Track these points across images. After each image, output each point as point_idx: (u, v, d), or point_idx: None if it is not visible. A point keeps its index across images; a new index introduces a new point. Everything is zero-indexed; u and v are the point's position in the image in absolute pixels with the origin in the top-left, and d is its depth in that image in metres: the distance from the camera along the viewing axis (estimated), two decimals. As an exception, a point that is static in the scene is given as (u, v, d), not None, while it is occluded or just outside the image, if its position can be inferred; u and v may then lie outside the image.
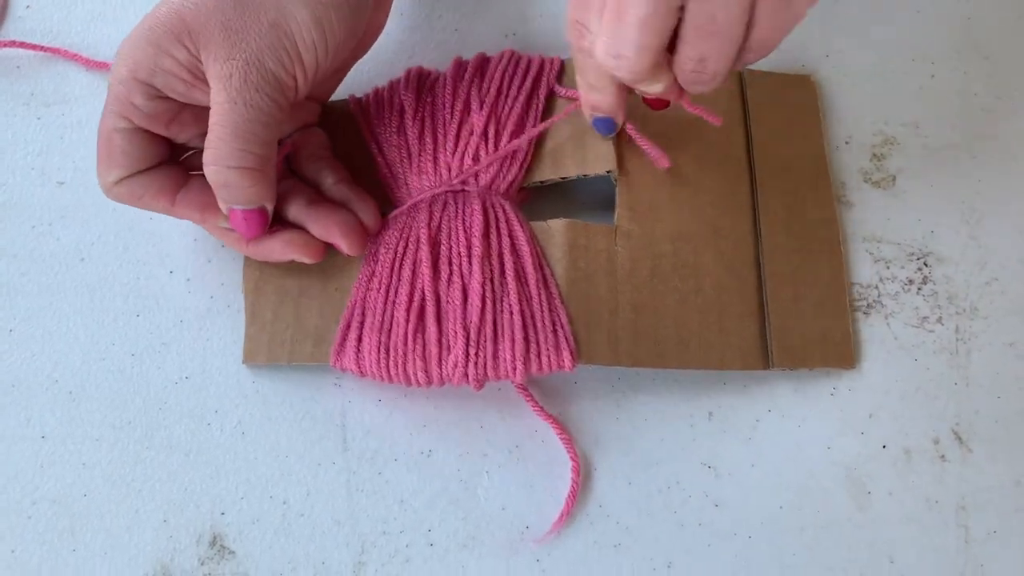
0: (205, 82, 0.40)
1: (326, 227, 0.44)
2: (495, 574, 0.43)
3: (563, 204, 0.49)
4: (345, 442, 0.45)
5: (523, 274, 0.44)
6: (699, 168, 0.47)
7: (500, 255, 0.44)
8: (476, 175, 0.46)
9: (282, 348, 0.45)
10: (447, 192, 0.46)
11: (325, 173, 0.46)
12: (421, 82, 0.48)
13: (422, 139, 0.47)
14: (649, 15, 0.34)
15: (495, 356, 0.42)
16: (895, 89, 0.52)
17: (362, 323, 0.44)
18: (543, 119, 0.47)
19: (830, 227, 0.48)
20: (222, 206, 0.42)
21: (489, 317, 0.43)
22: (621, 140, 0.47)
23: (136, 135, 0.42)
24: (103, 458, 0.45)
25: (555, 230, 0.45)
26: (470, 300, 0.43)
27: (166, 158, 0.44)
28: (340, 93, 0.50)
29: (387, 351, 0.43)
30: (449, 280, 0.43)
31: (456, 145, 0.46)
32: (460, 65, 0.49)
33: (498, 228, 0.45)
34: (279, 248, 0.44)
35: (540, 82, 0.48)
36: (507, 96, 0.47)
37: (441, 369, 0.42)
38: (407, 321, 0.43)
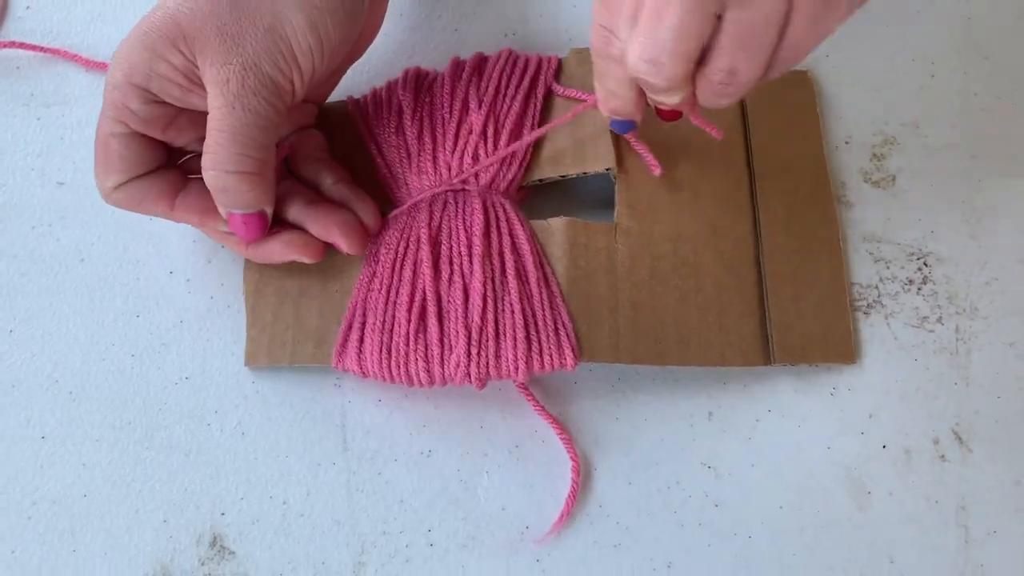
0: (201, 87, 0.40)
1: (326, 227, 0.44)
2: (495, 574, 0.43)
3: (562, 202, 0.49)
4: (345, 442, 0.45)
5: (524, 273, 0.44)
6: (698, 167, 0.47)
7: (501, 254, 0.44)
8: (476, 174, 0.46)
9: (283, 350, 0.45)
10: (447, 191, 0.46)
11: (324, 174, 0.46)
12: (419, 82, 0.48)
13: (421, 139, 0.47)
14: (688, 21, 0.34)
15: (497, 355, 0.42)
16: (895, 89, 0.52)
17: (363, 324, 0.44)
18: (541, 117, 0.47)
19: (830, 225, 0.48)
20: (221, 210, 0.42)
21: (491, 316, 0.43)
22: (620, 139, 0.47)
23: (133, 140, 0.42)
24: (103, 458, 0.45)
25: (555, 228, 0.45)
26: (471, 299, 0.43)
27: (164, 162, 0.43)
28: (339, 94, 0.50)
29: (389, 351, 0.43)
30: (450, 280, 0.43)
31: (455, 144, 0.46)
32: (458, 65, 0.49)
33: (498, 227, 0.45)
34: (279, 249, 0.44)
35: (538, 81, 0.48)
36: (505, 95, 0.47)
37: (443, 369, 0.43)
38: (408, 321, 0.43)
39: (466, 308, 0.43)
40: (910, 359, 0.47)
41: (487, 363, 0.42)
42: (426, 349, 0.43)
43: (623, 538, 0.44)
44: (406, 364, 0.43)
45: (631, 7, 0.35)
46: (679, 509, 0.44)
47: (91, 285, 0.48)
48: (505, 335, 0.42)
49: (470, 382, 0.43)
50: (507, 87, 0.48)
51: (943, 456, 0.45)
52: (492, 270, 0.43)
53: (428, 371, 0.43)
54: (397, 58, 0.54)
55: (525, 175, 0.47)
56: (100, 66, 0.53)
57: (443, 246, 0.44)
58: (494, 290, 0.43)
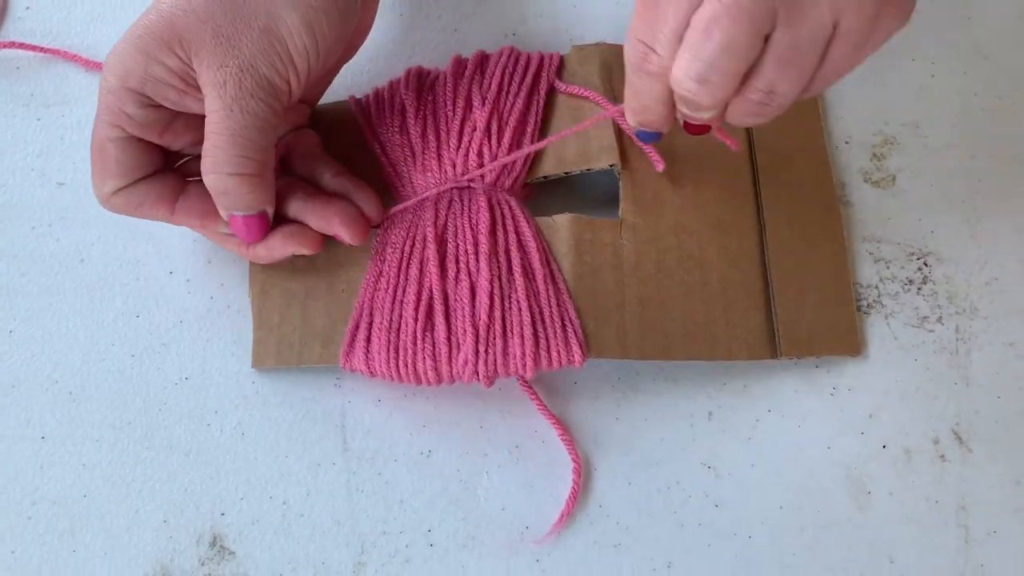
0: (198, 89, 0.40)
1: (326, 218, 0.44)
2: (495, 574, 0.43)
3: (567, 199, 0.49)
4: (345, 442, 0.45)
5: (530, 270, 0.44)
6: (702, 162, 0.47)
7: (507, 251, 0.44)
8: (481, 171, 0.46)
9: (291, 351, 0.45)
10: (452, 189, 0.46)
11: (321, 169, 0.46)
12: (421, 81, 0.48)
13: (425, 137, 0.47)
14: (739, 40, 0.34)
15: (505, 353, 0.42)
16: (895, 89, 0.52)
17: (371, 323, 0.44)
18: (544, 114, 0.47)
19: (833, 219, 0.48)
20: (222, 212, 0.42)
21: (498, 314, 0.43)
22: (623, 135, 0.47)
23: (130, 144, 0.41)
24: (103, 459, 0.45)
25: (560, 225, 0.45)
26: (478, 297, 0.43)
27: (161, 166, 0.43)
28: (342, 94, 0.50)
29: (396, 351, 0.43)
30: (457, 278, 0.43)
31: (459, 142, 0.46)
32: (460, 63, 0.49)
33: (504, 225, 0.45)
34: (278, 244, 0.44)
35: (540, 78, 0.48)
36: (508, 92, 0.47)
37: (451, 367, 0.43)
38: (416, 320, 0.43)
39: (473, 306, 0.43)
40: (910, 359, 0.47)
41: (495, 361, 0.42)
42: (434, 348, 0.43)
43: (623, 538, 0.44)
44: (414, 363, 0.43)
45: (674, 23, 0.35)
46: (679, 509, 0.44)
47: (91, 285, 0.48)
48: (512, 332, 0.43)
49: (478, 380, 0.43)
50: (510, 84, 0.48)
51: (943, 456, 0.45)
52: (498, 268, 0.44)
53: (436, 370, 0.43)
54: (397, 58, 0.54)
55: (530, 172, 0.47)
56: (100, 66, 0.52)
57: (449, 244, 0.44)
58: (501, 288, 0.43)
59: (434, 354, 0.43)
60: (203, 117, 0.40)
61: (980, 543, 0.44)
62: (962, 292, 0.48)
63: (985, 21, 0.54)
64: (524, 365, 0.42)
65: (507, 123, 0.47)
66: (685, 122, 0.39)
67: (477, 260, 0.44)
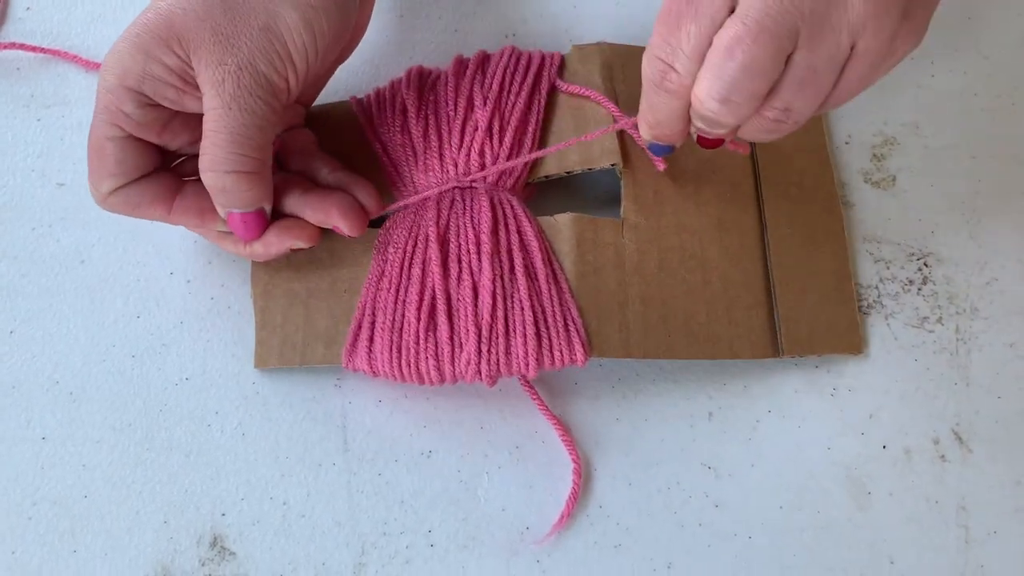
0: (196, 88, 0.40)
1: (324, 210, 0.44)
2: (495, 575, 0.43)
3: (568, 199, 0.49)
4: (345, 443, 0.45)
5: (533, 270, 0.44)
6: (702, 161, 0.48)
7: (509, 251, 0.44)
8: (482, 169, 0.46)
9: (294, 351, 0.45)
10: (454, 189, 0.46)
11: (318, 165, 0.46)
12: (422, 81, 0.48)
13: (427, 137, 0.47)
14: (763, 60, 0.34)
15: (507, 352, 0.43)
16: (895, 89, 0.52)
17: (373, 323, 0.44)
18: (545, 114, 0.48)
19: (834, 218, 0.49)
20: (220, 210, 0.42)
21: (500, 314, 0.43)
22: (625, 135, 0.47)
23: (128, 143, 0.41)
24: (103, 459, 0.45)
25: (562, 225, 0.45)
26: (481, 297, 0.43)
27: (159, 166, 0.43)
28: (342, 94, 0.50)
29: (399, 350, 0.43)
30: (459, 278, 0.43)
31: (461, 141, 0.46)
32: (461, 62, 0.49)
33: (506, 224, 0.45)
34: (275, 240, 0.43)
35: (542, 77, 0.48)
36: (510, 91, 0.47)
37: (454, 367, 0.43)
38: (418, 320, 0.43)
39: (476, 306, 0.43)
40: (910, 359, 0.47)
41: (497, 360, 0.42)
42: (436, 347, 0.43)
43: (623, 539, 0.44)
44: (416, 363, 0.43)
45: (695, 42, 0.35)
46: (679, 510, 0.44)
47: (91, 286, 0.48)
48: (515, 332, 0.43)
49: (481, 379, 0.43)
50: (511, 83, 0.48)
51: (943, 456, 0.45)
52: (501, 267, 0.44)
53: (439, 369, 0.43)
54: (397, 58, 0.54)
55: (531, 172, 0.47)
56: (100, 67, 0.53)
57: (451, 244, 0.44)
58: (503, 287, 0.43)
59: (437, 354, 0.43)
60: (201, 117, 0.40)
61: (980, 543, 0.44)
62: (962, 292, 0.48)
63: (985, 21, 0.54)
64: (527, 364, 0.42)
65: (509, 122, 0.47)
66: (699, 136, 0.40)
67: (479, 260, 0.44)
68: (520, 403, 0.46)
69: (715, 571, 0.43)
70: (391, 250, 0.45)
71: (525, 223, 0.45)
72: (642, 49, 0.49)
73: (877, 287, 0.48)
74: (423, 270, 0.44)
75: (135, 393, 0.46)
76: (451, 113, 0.47)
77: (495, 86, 0.47)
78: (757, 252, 0.47)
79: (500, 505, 0.44)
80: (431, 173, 0.46)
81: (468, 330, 0.42)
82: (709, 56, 0.35)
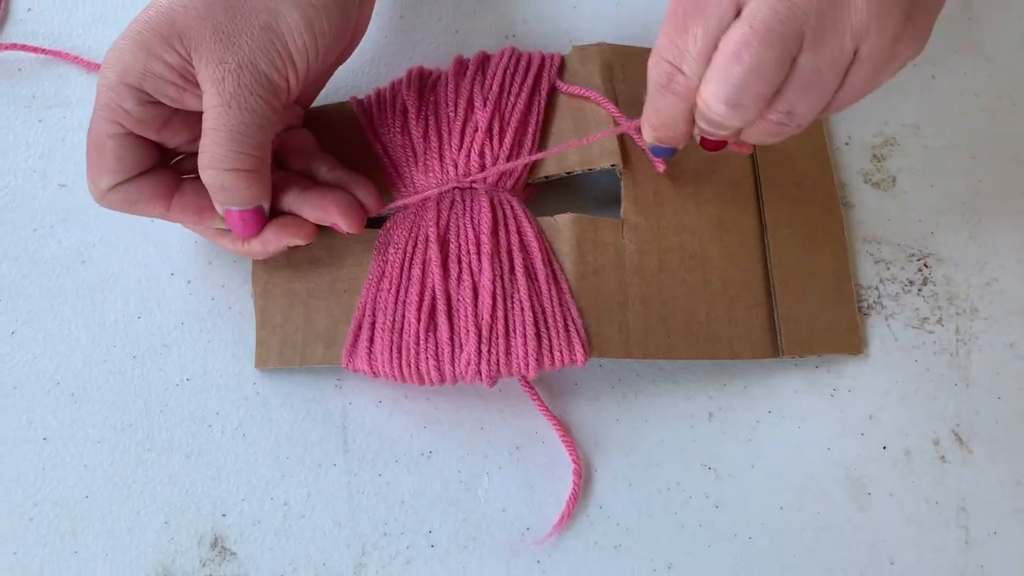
0: (197, 86, 0.40)
1: (323, 208, 0.44)
2: (496, 575, 0.43)
3: (568, 199, 0.49)
4: (346, 443, 0.46)
5: (533, 270, 0.44)
6: (702, 161, 0.48)
7: (509, 252, 0.44)
8: (482, 170, 0.46)
9: (294, 351, 0.45)
10: (454, 189, 0.46)
11: (317, 164, 0.46)
12: (423, 81, 0.48)
13: (427, 138, 0.47)
14: (769, 63, 0.34)
15: (508, 353, 0.43)
16: (895, 90, 0.52)
17: (373, 323, 0.44)
18: (545, 114, 0.48)
19: (834, 218, 0.49)
20: (219, 208, 0.42)
21: (500, 314, 0.43)
22: (624, 135, 0.47)
23: (128, 140, 0.42)
24: (104, 460, 0.45)
25: (562, 225, 0.45)
26: (481, 298, 0.43)
27: (158, 163, 0.43)
28: (342, 95, 0.50)
29: (399, 351, 0.43)
30: (459, 278, 0.44)
31: (461, 142, 0.46)
32: (461, 63, 0.49)
33: (506, 225, 0.45)
34: (272, 237, 0.44)
35: (542, 78, 0.48)
36: (510, 92, 0.47)
37: (454, 367, 0.43)
38: (418, 320, 0.43)
39: (476, 306, 0.43)
40: (910, 360, 0.47)
41: (498, 361, 0.43)
42: (437, 348, 0.43)
43: (623, 539, 0.44)
44: (417, 363, 0.43)
45: (703, 44, 0.35)
46: (679, 510, 0.44)
47: (92, 287, 0.48)
48: (515, 332, 0.43)
49: (481, 380, 0.43)
50: (511, 84, 0.48)
51: (943, 457, 0.45)
52: (501, 268, 0.44)
53: (439, 369, 0.43)
54: (397, 59, 0.54)
55: (531, 173, 0.47)
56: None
57: (451, 245, 0.44)
58: (503, 288, 0.43)
59: (437, 354, 0.43)
60: (201, 115, 0.41)
61: (980, 544, 0.44)
62: (962, 293, 0.48)
63: (985, 21, 0.54)
64: (527, 365, 0.42)
65: (509, 123, 0.47)
66: (702, 138, 0.40)
67: (479, 260, 0.44)
68: (520, 404, 0.46)
69: (715, 571, 0.43)
70: (391, 250, 0.45)
71: (525, 223, 0.45)
72: (642, 49, 0.50)
73: (877, 288, 0.48)
74: (423, 270, 0.44)
75: (136, 393, 0.46)
76: (451, 114, 0.47)
77: (495, 87, 0.47)
78: (757, 252, 0.47)
79: (500, 506, 0.44)
80: (431, 174, 0.46)
81: (468, 330, 0.43)
82: (716, 59, 0.35)
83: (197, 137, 0.41)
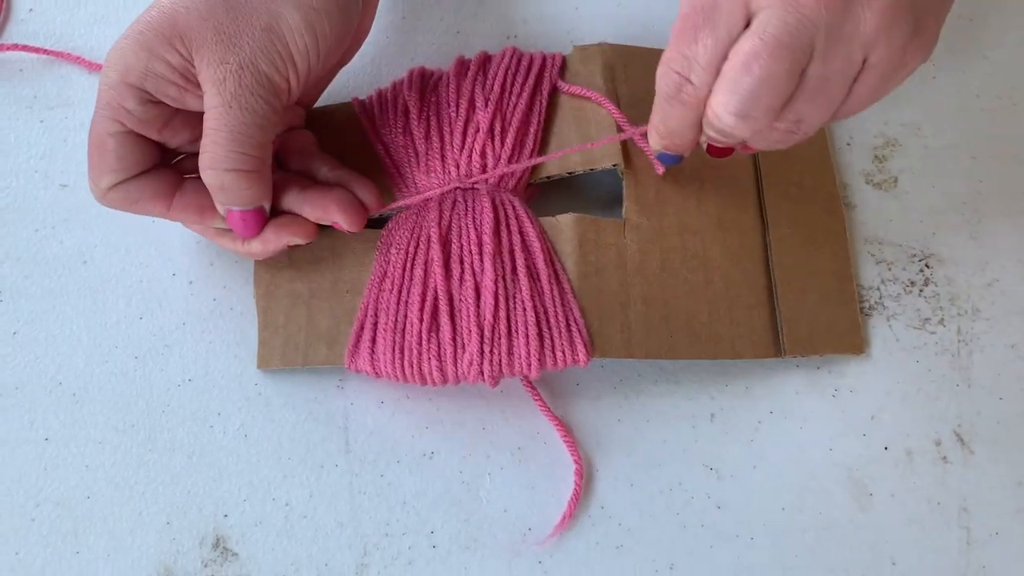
0: (198, 86, 0.40)
1: (323, 206, 0.44)
2: (497, 575, 0.43)
3: (570, 199, 0.49)
4: (347, 444, 0.46)
5: (535, 270, 0.44)
6: (704, 161, 0.48)
7: (511, 252, 0.44)
8: (484, 170, 0.46)
9: (296, 351, 0.45)
10: (456, 189, 0.46)
11: (317, 164, 0.46)
12: (424, 82, 0.48)
13: (428, 138, 0.47)
14: (779, 74, 0.34)
15: (510, 353, 0.43)
16: (896, 91, 0.52)
17: (376, 324, 0.44)
18: (546, 115, 0.48)
19: (835, 218, 0.49)
20: (219, 208, 0.42)
21: (503, 314, 0.43)
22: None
23: (129, 138, 0.42)
24: (106, 460, 0.45)
25: (564, 225, 0.45)
26: (483, 298, 0.43)
27: (159, 162, 0.43)
28: (344, 95, 0.50)
29: (402, 351, 0.43)
30: (461, 278, 0.44)
31: (463, 143, 0.47)
32: (463, 63, 0.49)
33: (508, 225, 0.45)
34: (273, 236, 0.44)
35: (543, 78, 0.48)
36: (511, 92, 0.47)
37: (456, 368, 0.43)
38: (421, 321, 0.43)
39: (478, 306, 0.43)
40: (912, 360, 0.47)
41: (500, 361, 0.43)
42: (439, 348, 0.43)
43: (625, 540, 0.44)
44: (419, 363, 0.43)
45: (712, 55, 0.35)
46: (681, 511, 0.44)
47: (94, 287, 0.48)
48: (517, 333, 0.43)
49: (483, 380, 0.43)
50: (513, 84, 0.48)
51: (945, 457, 0.45)
52: (503, 268, 0.44)
53: (441, 370, 0.43)
54: (399, 59, 0.54)
55: (533, 173, 0.47)
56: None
57: (453, 245, 0.44)
58: (505, 288, 0.43)
59: (439, 354, 0.43)
60: (202, 115, 0.41)
61: (982, 544, 0.44)
62: (964, 293, 0.48)
63: (985, 22, 0.54)
64: (529, 365, 0.43)
65: (510, 124, 0.47)
66: (709, 145, 0.40)
67: (481, 260, 0.44)
68: (522, 404, 0.46)
69: (717, 572, 0.43)
70: (393, 251, 0.45)
71: (527, 224, 0.45)
72: (644, 50, 0.50)
73: (879, 288, 0.48)
74: (425, 271, 0.44)
75: (138, 394, 0.46)
76: (453, 114, 0.47)
77: (496, 87, 0.47)
78: (759, 252, 0.47)
79: (502, 506, 0.44)
80: (433, 174, 0.47)
81: (470, 331, 0.43)
82: (726, 70, 0.35)
83: (198, 137, 0.41)
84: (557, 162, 0.47)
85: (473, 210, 0.45)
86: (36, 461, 0.45)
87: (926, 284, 0.48)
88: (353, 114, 0.49)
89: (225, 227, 0.44)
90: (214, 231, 0.44)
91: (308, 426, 0.46)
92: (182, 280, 0.48)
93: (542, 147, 0.47)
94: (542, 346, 0.43)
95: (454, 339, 0.43)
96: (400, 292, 0.44)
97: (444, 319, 0.43)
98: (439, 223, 0.45)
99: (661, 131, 0.40)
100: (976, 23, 0.54)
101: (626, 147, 0.47)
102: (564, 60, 0.49)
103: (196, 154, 0.41)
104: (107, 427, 0.46)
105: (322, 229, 0.45)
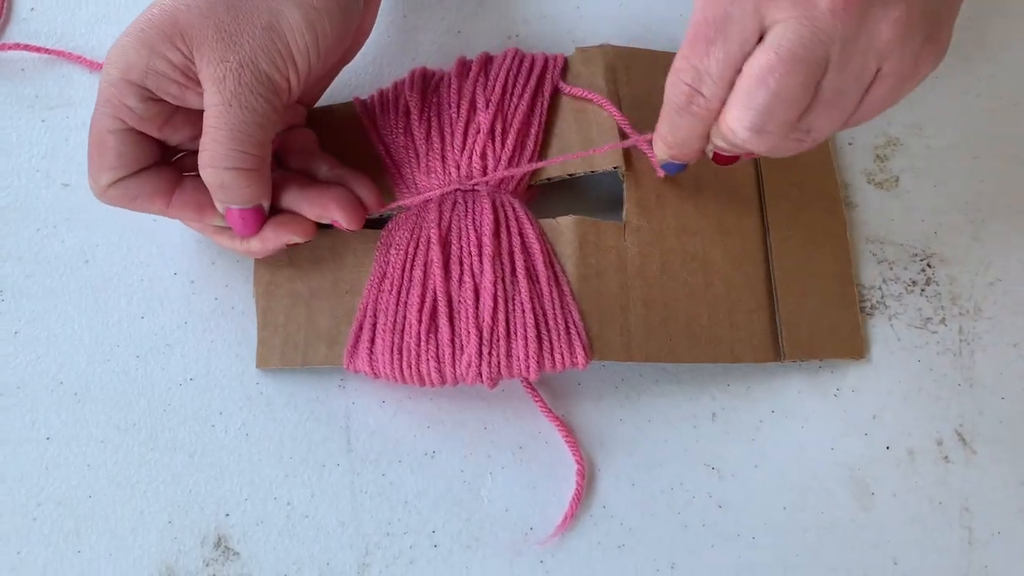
0: (198, 84, 0.40)
1: (322, 204, 0.44)
2: (499, 575, 0.43)
3: (570, 201, 0.49)
4: (349, 443, 0.46)
5: (534, 272, 0.44)
6: (705, 164, 0.48)
7: (511, 253, 0.44)
8: (484, 171, 0.46)
9: (295, 351, 0.45)
10: (456, 191, 0.46)
11: (317, 163, 0.46)
12: (425, 82, 0.48)
13: (429, 139, 0.47)
14: (795, 88, 0.34)
15: (508, 355, 0.43)
16: (898, 90, 0.52)
17: (375, 324, 0.44)
18: (548, 116, 0.48)
19: (836, 221, 0.49)
20: (219, 206, 0.42)
21: (501, 316, 0.43)
22: (627, 137, 0.47)
23: (130, 135, 0.42)
24: (108, 459, 0.45)
25: (564, 227, 0.45)
26: (482, 299, 0.43)
27: (159, 159, 0.43)
28: (345, 95, 0.50)
29: (400, 352, 0.43)
30: (460, 280, 0.44)
31: (464, 144, 0.46)
32: (464, 64, 0.49)
33: (508, 227, 0.45)
34: (271, 235, 0.44)
35: (545, 79, 0.48)
36: (512, 94, 0.47)
37: (455, 369, 0.43)
38: (420, 322, 0.43)
39: (477, 308, 0.43)
40: (914, 360, 0.47)
41: (498, 363, 0.43)
42: (438, 349, 0.43)
43: (627, 539, 0.44)
44: (418, 364, 0.43)
45: (724, 68, 0.35)
46: (683, 510, 0.44)
47: (96, 286, 0.48)
48: (516, 335, 0.43)
49: (481, 382, 0.43)
50: (514, 86, 0.48)
51: (947, 457, 0.45)
52: (502, 270, 0.44)
53: (440, 371, 0.43)
54: (400, 60, 0.54)
55: (534, 175, 0.47)
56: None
57: (453, 246, 0.44)
58: (505, 290, 0.43)
59: (438, 356, 0.43)
60: (202, 113, 0.41)
61: (984, 544, 0.44)
62: (965, 293, 0.48)
63: (988, 22, 0.54)
64: (528, 367, 0.43)
65: (511, 125, 0.47)
66: (715, 153, 0.40)
67: (481, 262, 0.44)
68: (523, 404, 0.46)
69: (718, 571, 0.43)
70: (393, 251, 0.45)
71: (527, 225, 0.45)
72: (646, 51, 0.50)
73: (880, 288, 0.48)
74: (425, 272, 0.44)
75: (139, 393, 0.46)
76: (454, 115, 0.47)
77: (498, 88, 0.47)
78: (759, 255, 0.47)
79: (504, 506, 0.44)
80: (433, 175, 0.46)
81: (469, 332, 0.43)
82: (740, 85, 0.35)
83: (198, 135, 0.41)
84: (558, 165, 0.47)
85: (473, 211, 0.45)
86: (38, 460, 0.45)
87: (928, 283, 0.48)
88: (354, 114, 0.49)
89: (224, 225, 0.44)
90: (213, 229, 0.44)
91: (310, 425, 0.46)
92: (183, 279, 0.48)
93: (543, 149, 0.47)
94: (541, 348, 0.43)
95: (453, 340, 0.43)
96: (399, 293, 0.44)
97: (443, 320, 0.43)
98: (439, 224, 0.45)
99: (669, 141, 0.40)
100: (979, 24, 0.54)
101: (627, 150, 0.47)
102: (566, 61, 0.49)
103: (196, 152, 0.41)
104: (109, 426, 0.46)
105: (322, 229, 0.45)
